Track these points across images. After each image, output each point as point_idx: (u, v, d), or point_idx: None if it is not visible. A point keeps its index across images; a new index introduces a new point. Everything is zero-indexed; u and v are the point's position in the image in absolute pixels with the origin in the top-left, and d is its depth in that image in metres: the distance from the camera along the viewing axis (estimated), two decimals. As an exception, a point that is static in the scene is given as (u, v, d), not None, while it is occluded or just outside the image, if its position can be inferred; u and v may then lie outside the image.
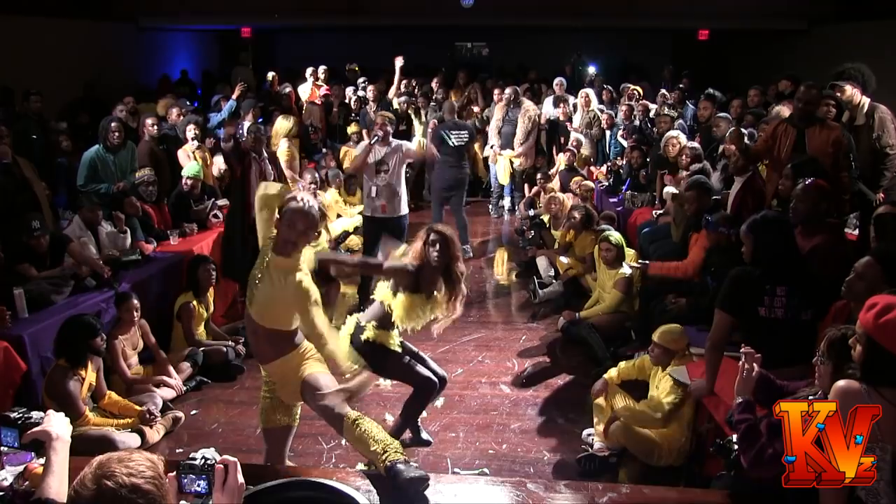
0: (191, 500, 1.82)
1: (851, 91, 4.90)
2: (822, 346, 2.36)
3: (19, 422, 1.96)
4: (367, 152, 5.60)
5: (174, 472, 1.75)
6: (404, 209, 5.76)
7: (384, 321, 3.57)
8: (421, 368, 3.67)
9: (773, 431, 2.32)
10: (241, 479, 1.71)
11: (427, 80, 10.28)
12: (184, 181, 6.20)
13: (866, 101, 4.91)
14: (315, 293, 2.79)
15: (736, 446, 2.42)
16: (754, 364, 2.49)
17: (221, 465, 1.71)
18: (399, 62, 8.26)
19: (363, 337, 3.54)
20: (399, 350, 3.63)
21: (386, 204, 5.63)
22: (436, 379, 3.67)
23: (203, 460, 1.75)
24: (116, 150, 5.94)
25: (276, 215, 2.79)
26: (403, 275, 3.52)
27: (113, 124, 5.97)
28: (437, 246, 3.48)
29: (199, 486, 1.74)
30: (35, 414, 1.97)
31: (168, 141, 6.92)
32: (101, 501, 1.43)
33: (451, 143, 7.25)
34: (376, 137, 5.63)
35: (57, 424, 1.92)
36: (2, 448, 1.96)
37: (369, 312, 3.65)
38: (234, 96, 8.09)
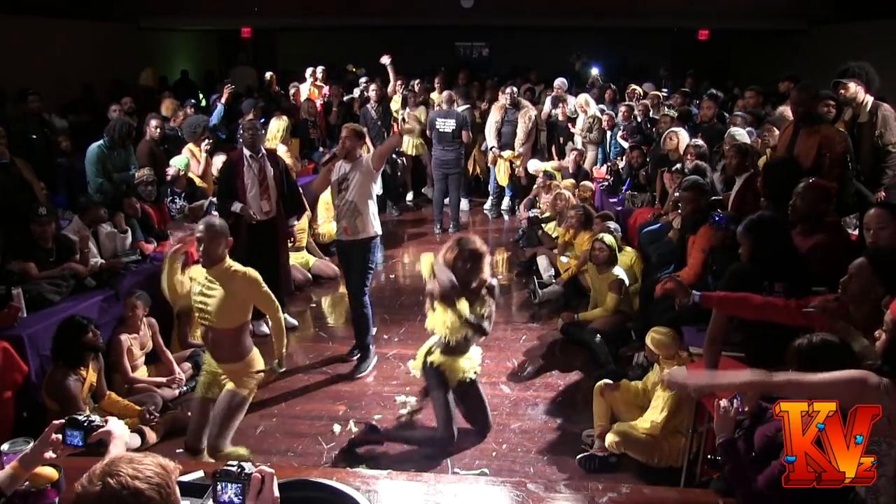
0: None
1: (855, 88, 4.87)
2: (789, 353, 2.35)
3: (85, 424, 2.14)
4: (330, 170, 4.86)
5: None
6: (371, 230, 4.89)
7: (447, 346, 3.92)
8: (453, 423, 3.88)
9: (760, 461, 2.33)
10: (276, 492, 1.73)
11: (428, 80, 10.26)
12: (168, 169, 6.20)
13: (870, 99, 4.89)
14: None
15: None
16: (751, 405, 2.49)
17: (258, 475, 1.72)
18: (386, 60, 8.38)
19: (429, 360, 3.98)
20: (454, 384, 3.97)
21: (347, 226, 4.84)
22: (452, 440, 3.88)
23: (240, 469, 1.76)
24: (118, 149, 5.96)
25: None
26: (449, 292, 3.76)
27: (127, 127, 6.03)
28: (468, 264, 3.78)
29: (232, 493, 1.76)
30: (96, 418, 2.18)
31: (168, 141, 6.93)
32: (103, 499, 1.45)
33: (438, 129, 8.18)
34: (333, 153, 4.91)
35: (116, 427, 2.17)
36: (68, 445, 2.18)
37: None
38: (222, 100, 8.08)
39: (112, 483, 1.45)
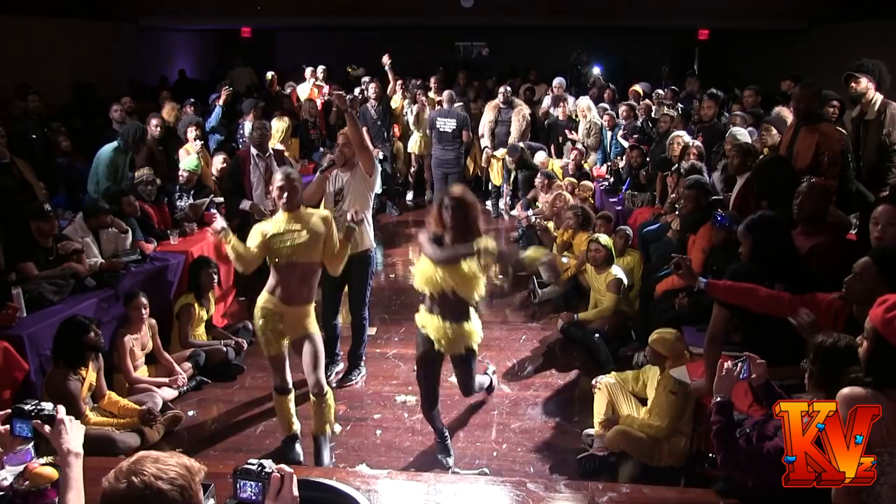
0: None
1: (866, 84, 4.85)
2: (809, 348, 2.34)
3: (32, 413, 1.97)
4: (326, 179, 4.54)
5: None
6: (367, 242, 4.60)
7: (430, 303, 3.69)
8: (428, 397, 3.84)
9: (760, 436, 2.33)
10: (295, 491, 1.72)
11: (426, 79, 10.27)
12: (180, 172, 6.24)
13: (879, 97, 4.87)
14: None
15: None
16: (759, 372, 2.49)
17: (278, 475, 1.72)
18: (386, 60, 8.47)
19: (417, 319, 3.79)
20: (446, 351, 3.73)
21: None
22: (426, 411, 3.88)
23: (260, 467, 1.76)
24: (129, 152, 5.99)
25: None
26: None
27: (141, 130, 6.05)
28: (451, 211, 3.52)
29: (252, 491, 1.76)
30: (46, 405, 1.99)
31: (168, 140, 6.94)
32: (127, 498, 1.47)
33: (438, 129, 8.28)
34: (331, 162, 4.53)
35: (73, 440, 1.95)
36: (17, 437, 2.00)
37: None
38: (219, 103, 8.11)
39: (136, 482, 1.47)
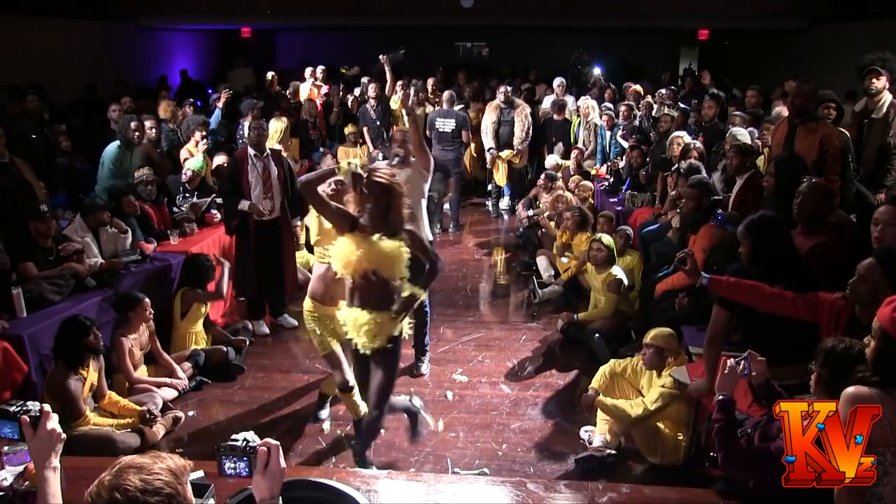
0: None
1: (885, 82, 4.78)
2: (818, 352, 2.34)
3: (18, 414, 1.90)
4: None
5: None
6: (425, 234, 4.54)
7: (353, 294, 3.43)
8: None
9: (763, 436, 2.33)
10: (283, 462, 1.69)
11: (425, 79, 10.26)
12: (184, 171, 6.26)
13: (889, 96, 4.83)
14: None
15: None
16: (759, 370, 2.49)
17: (264, 448, 1.68)
18: (383, 58, 8.45)
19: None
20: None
21: None
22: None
23: (245, 442, 1.73)
24: (132, 148, 5.97)
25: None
26: (341, 216, 3.37)
27: (133, 123, 5.99)
28: (373, 198, 3.27)
29: (239, 467, 1.73)
30: (32, 405, 1.93)
31: (171, 145, 6.95)
32: None
33: (438, 129, 8.20)
34: (398, 158, 4.58)
35: (52, 454, 1.83)
36: (3, 438, 1.96)
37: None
38: (219, 105, 8.10)
39: (120, 499, 1.40)
